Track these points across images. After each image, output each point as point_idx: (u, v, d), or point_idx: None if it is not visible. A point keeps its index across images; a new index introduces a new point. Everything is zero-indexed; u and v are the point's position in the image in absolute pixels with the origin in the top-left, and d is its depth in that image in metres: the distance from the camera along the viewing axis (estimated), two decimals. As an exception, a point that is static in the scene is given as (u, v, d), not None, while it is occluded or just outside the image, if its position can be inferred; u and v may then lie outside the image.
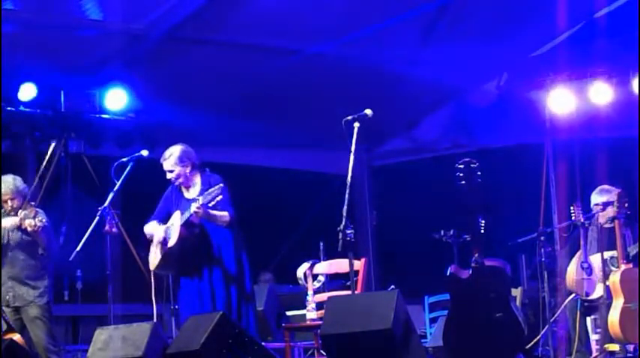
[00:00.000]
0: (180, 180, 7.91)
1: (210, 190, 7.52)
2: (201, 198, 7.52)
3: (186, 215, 7.65)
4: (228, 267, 7.76)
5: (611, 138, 11.37)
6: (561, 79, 11.35)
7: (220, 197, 7.46)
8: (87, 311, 11.16)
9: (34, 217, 8.06)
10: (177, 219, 7.74)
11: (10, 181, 8.31)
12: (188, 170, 7.89)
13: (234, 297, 7.73)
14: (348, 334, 6.59)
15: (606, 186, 8.85)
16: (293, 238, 12.68)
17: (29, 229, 8.09)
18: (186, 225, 7.71)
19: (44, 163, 8.64)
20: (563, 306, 8.74)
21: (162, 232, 7.83)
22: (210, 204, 7.50)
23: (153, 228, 7.92)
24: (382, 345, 6.44)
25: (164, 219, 7.94)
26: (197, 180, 7.94)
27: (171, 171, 7.89)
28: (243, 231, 7.96)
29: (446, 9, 10.46)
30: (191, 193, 7.89)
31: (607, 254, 8.43)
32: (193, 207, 7.53)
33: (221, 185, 7.54)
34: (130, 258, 10.49)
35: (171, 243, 7.75)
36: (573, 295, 8.63)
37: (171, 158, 7.87)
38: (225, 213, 7.72)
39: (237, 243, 7.84)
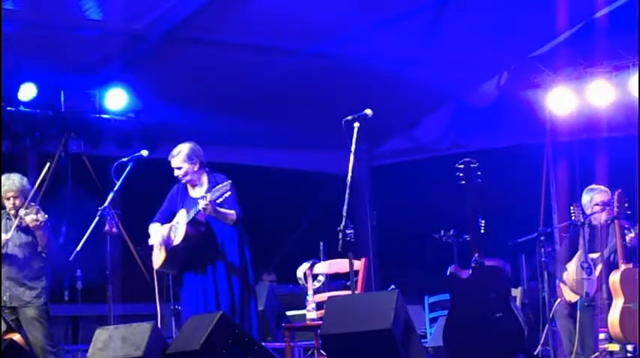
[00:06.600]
0: (188, 177, 7.88)
1: (218, 186, 7.50)
2: (209, 194, 7.48)
3: (193, 212, 7.63)
4: (232, 263, 7.75)
5: (611, 138, 11.37)
6: (561, 79, 11.37)
7: (229, 193, 7.45)
8: (87, 311, 11.16)
9: (36, 213, 8.05)
10: (182, 218, 7.72)
11: (17, 179, 8.28)
12: (196, 168, 7.86)
13: (237, 293, 7.72)
14: (348, 334, 6.59)
15: (594, 186, 8.86)
16: (293, 238, 12.68)
17: (31, 225, 8.06)
18: (193, 223, 7.70)
19: (48, 168, 8.61)
20: (552, 310, 8.74)
21: (166, 231, 7.83)
22: (218, 201, 7.48)
23: (156, 230, 7.89)
24: (382, 345, 6.43)
25: (168, 218, 7.92)
26: (204, 178, 7.91)
27: (179, 169, 7.87)
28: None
29: (446, 9, 10.46)
30: (197, 192, 7.86)
31: (591, 255, 8.46)
32: (201, 204, 7.49)
33: (229, 181, 7.53)
34: (130, 258, 10.50)
35: (176, 241, 7.73)
36: (559, 300, 8.64)
37: (180, 155, 7.85)
38: (232, 212, 7.70)
39: (241, 240, 7.83)
